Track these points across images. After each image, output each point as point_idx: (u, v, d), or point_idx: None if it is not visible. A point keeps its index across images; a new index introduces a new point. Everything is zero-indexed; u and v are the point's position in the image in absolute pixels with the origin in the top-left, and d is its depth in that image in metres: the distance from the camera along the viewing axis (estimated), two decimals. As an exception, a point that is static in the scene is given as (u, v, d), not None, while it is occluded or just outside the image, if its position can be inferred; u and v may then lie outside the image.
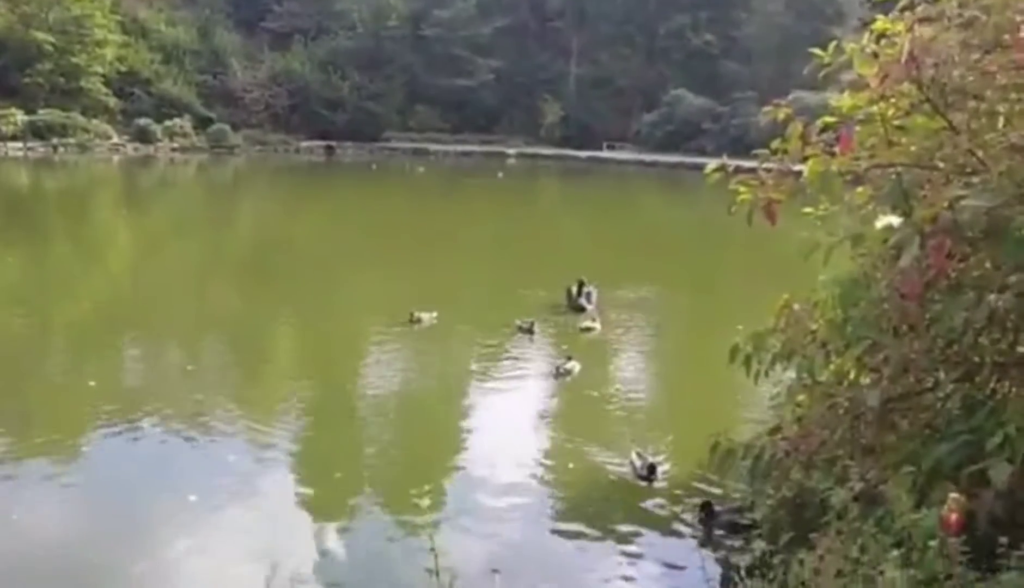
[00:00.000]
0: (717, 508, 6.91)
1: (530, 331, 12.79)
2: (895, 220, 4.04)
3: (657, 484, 7.76)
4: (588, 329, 13.42)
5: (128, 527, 6.87)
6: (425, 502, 3.62)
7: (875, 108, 4.77)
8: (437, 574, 3.09)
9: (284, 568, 6.25)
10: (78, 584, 6.00)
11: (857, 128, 4.80)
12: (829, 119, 4.89)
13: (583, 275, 14.98)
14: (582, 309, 14.51)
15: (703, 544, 6.58)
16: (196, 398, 9.98)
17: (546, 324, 13.50)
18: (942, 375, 5.18)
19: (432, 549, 3.07)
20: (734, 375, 5.91)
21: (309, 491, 7.73)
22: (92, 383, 10.59)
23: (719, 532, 6.64)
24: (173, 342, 13.10)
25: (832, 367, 5.65)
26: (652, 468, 7.83)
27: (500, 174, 49.03)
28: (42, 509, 7.19)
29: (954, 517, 3.84)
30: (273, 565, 6.23)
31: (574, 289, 14.85)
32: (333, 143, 56.85)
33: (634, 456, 8.09)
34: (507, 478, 7.89)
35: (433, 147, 58.01)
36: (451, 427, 9.37)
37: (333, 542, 6.81)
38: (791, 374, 5.81)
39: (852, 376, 5.61)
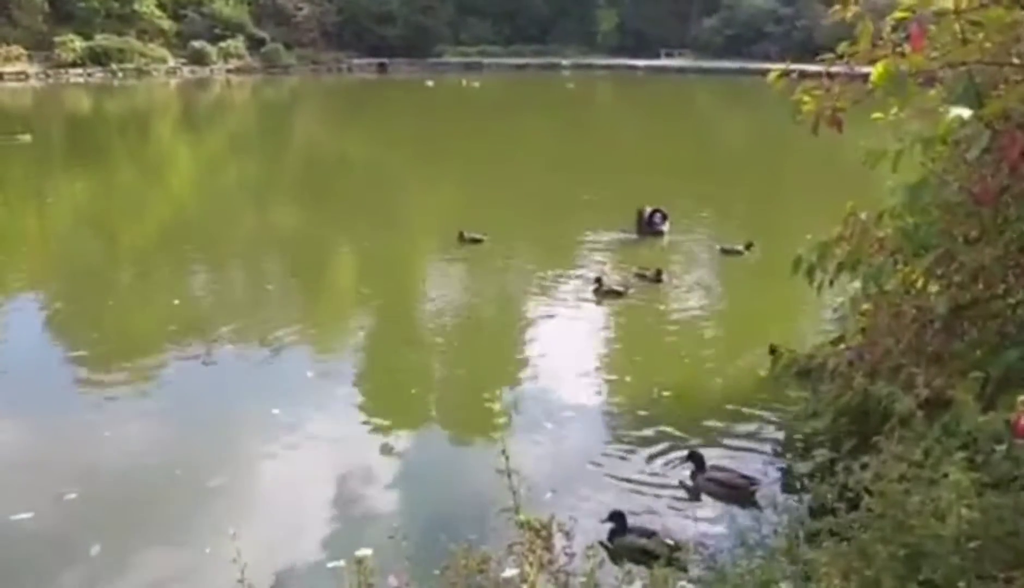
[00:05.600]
0: (630, 523, 5.59)
1: (657, 280, 11.37)
2: (965, 112, 3.85)
3: (719, 398, 7.80)
4: (734, 251, 12.72)
5: (216, 440, 7.20)
6: (496, 407, 3.74)
7: (948, 2, 4.53)
8: (509, 475, 3.23)
9: (365, 472, 6.61)
10: (169, 496, 6.26)
11: (931, 27, 4.57)
12: (900, 14, 4.67)
13: (656, 200, 14.26)
14: (660, 233, 13.88)
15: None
16: (273, 316, 10.31)
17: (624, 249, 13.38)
18: (1013, 280, 5.07)
19: (503, 451, 3.21)
20: (799, 287, 5.84)
21: (384, 402, 8.03)
22: (176, 302, 10.97)
23: (627, 551, 5.12)
24: (245, 262, 13.51)
25: (899, 275, 5.56)
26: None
27: (571, 85, 48.05)
28: (132, 425, 7.51)
29: (1023, 420, 3.82)
30: (355, 470, 6.59)
31: (648, 212, 14.00)
32: (385, 60, 56.31)
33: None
34: (568, 394, 8.02)
35: (486, 61, 57.03)
36: (514, 344, 9.54)
37: (408, 447, 7.15)
38: (856, 284, 5.73)
39: (920, 284, 5.51)
